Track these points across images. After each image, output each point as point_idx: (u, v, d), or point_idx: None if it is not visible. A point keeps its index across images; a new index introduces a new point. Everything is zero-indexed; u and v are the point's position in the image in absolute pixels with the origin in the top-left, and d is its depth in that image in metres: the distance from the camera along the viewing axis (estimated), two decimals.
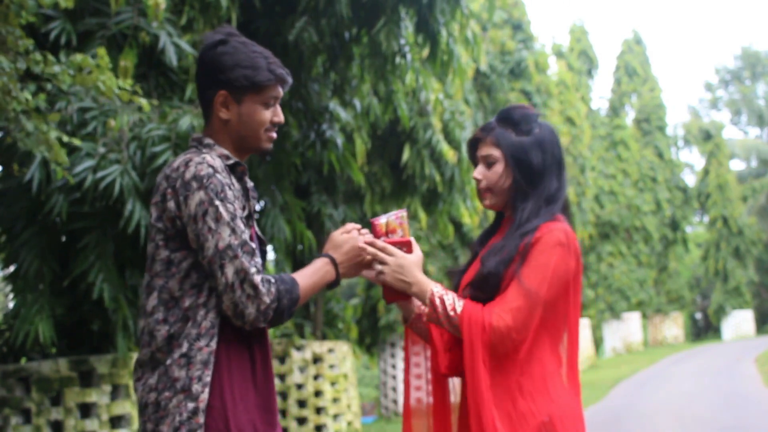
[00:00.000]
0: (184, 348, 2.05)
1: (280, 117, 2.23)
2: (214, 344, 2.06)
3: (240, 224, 2.06)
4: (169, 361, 2.06)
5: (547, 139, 2.32)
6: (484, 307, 2.17)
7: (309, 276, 2.15)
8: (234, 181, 2.15)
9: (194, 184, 2.05)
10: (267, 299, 2.02)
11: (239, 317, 2.03)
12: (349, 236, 2.24)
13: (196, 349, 2.05)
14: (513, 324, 2.13)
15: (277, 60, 2.21)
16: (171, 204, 2.09)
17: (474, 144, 2.40)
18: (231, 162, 2.17)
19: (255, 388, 2.14)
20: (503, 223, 2.40)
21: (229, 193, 2.07)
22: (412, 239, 2.29)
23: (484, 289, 2.22)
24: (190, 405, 2.02)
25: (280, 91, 2.22)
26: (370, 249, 2.23)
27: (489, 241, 2.42)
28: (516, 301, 2.15)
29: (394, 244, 2.26)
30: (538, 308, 2.16)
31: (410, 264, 2.24)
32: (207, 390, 2.03)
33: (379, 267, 2.24)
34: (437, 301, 2.20)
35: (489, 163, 2.34)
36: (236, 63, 2.15)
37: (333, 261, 2.20)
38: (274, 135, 2.25)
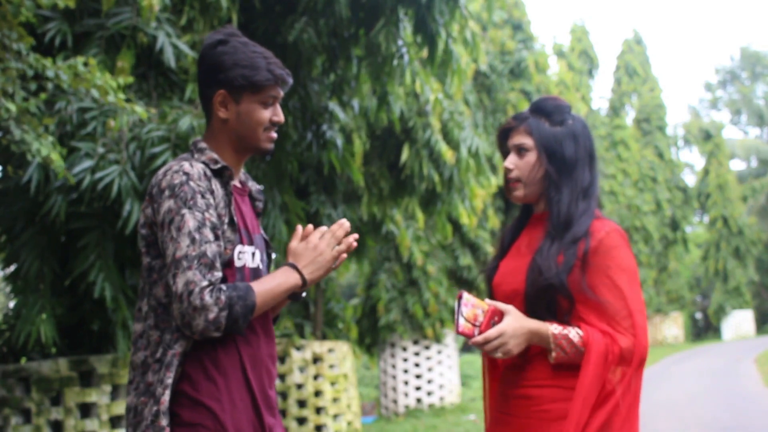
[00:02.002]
0: (159, 353, 2.07)
1: (280, 117, 2.23)
2: (178, 347, 2.05)
3: (207, 234, 2.04)
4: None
5: (580, 130, 2.30)
6: (605, 332, 2.17)
7: (265, 282, 2.12)
8: (218, 186, 2.14)
9: (166, 192, 2.06)
10: (215, 309, 1.99)
11: (186, 327, 2.01)
12: (305, 242, 2.22)
13: (167, 354, 2.06)
14: (643, 339, 2.17)
15: (277, 60, 2.21)
16: (149, 211, 2.11)
17: (505, 133, 2.36)
18: (218, 167, 2.16)
19: (248, 389, 2.14)
20: (532, 218, 2.38)
21: (201, 201, 2.05)
22: (488, 302, 2.22)
23: (544, 299, 2.21)
24: (154, 408, 2.03)
25: (280, 92, 2.22)
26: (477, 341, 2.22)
27: (518, 236, 2.39)
28: (629, 318, 2.17)
29: (488, 325, 2.20)
30: (643, 310, 2.20)
31: (514, 327, 2.18)
32: (168, 392, 2.03)
33: (499, 355, 2.19)
34: (564, 343, 2.18)
35: (521, 152, 2.30)
36: (235, 62, 2.15)
37: (294, 267, 2.18)
38: (274, 135, 2.24)
